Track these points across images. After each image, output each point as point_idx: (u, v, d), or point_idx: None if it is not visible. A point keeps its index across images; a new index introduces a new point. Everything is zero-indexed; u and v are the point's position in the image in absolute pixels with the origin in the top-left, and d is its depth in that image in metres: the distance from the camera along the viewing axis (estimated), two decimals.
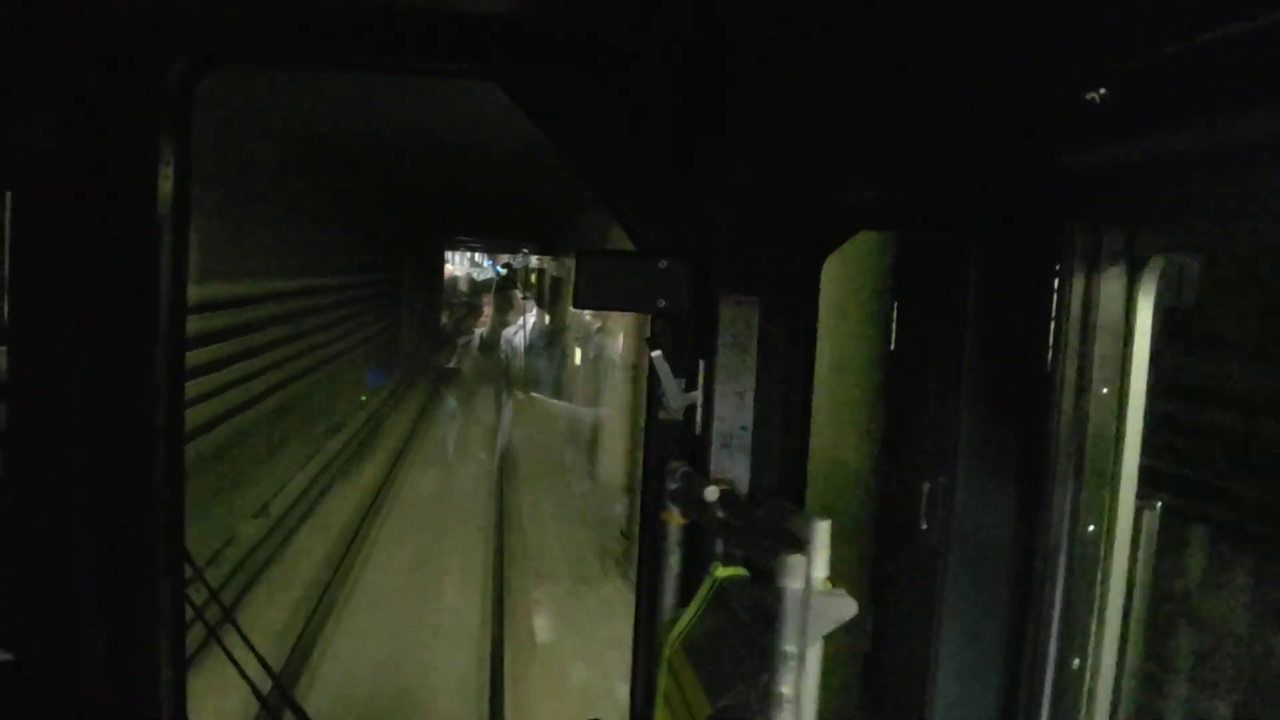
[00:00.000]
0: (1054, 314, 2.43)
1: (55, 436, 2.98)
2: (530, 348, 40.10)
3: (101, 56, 2.84)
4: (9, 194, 2.83)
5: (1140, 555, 2.41)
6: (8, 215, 2.85)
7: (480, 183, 18.84)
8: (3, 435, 2.96)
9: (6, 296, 2.89)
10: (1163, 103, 1.87)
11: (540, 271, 47.09)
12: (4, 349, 2.94)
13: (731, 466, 2.95)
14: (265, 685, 3.61)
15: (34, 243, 2.86)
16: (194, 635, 3.86)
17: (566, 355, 26.93)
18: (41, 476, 2.97)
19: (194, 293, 3.55)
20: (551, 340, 34.54)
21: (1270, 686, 2.20)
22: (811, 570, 2.12)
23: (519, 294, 54.14)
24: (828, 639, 2.18)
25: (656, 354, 3.01)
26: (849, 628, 2.24)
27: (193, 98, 3.01)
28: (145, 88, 2.89)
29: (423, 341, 38.04)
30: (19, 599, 2.96)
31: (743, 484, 2.94)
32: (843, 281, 3.89)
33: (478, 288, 63.89)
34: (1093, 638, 2.42)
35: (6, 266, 2.87)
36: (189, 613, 3.30)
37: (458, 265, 64.74)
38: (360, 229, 22.36)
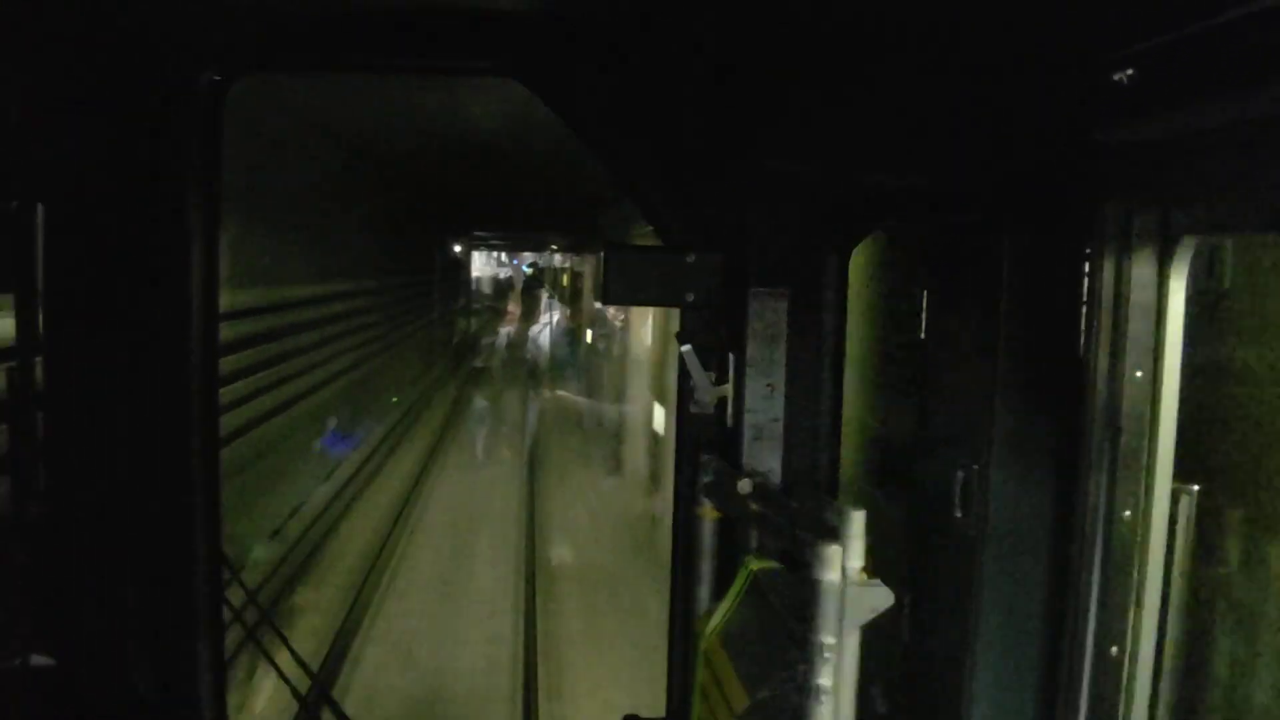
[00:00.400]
0: (1086, 298, 2.41)
1: (92, 445, 3.02)
2: (555, 346, 37.42)
3: (130, 69, 2.86)
4: (41, 205, 2.87)
5: (1177, 541, 2.38)
6: (40, 226, 2.88)
7: (507, 177, 18.12)
8: (42, 444, 3.00)
9: (41, 307, 2.92)
10: (1195, 78, 1.85)
11: (572, 271, 43.93)
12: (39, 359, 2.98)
13: (764, 458, 2.95)
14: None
15: (66, 253, 2.90)
16: (233, 637, 3.90)
17: (594, 353, 26.41)
18: (80, 484, 3.00)
19: None
20: (574, 338, 33.88)
21: None
22: (847, 561, 2.12)
23: (545, 294, 51.27)
24: (864, 629, 2.18)
25: (686, 348, 3.02)
26: (885, 617, 2.23)
27: (221, 106, 3.03)
28: (174, 98, 2.92)
29: (434, 361, 30.22)
30: (61, 605, 2.99)
31: (775, 476, 2.94)
32: None
33: (501, 288, 60.35)
34: (1131, 625, 2.40)
35: (40, 277, 2.90)
36: (227, 614, 3.34)
37: (482, 265, 60.97)
38: (357, 226, 17.13)
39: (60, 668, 2.89)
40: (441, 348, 33.13)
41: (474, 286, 57.65)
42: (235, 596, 3.51)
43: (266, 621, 3.99)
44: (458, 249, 42.15)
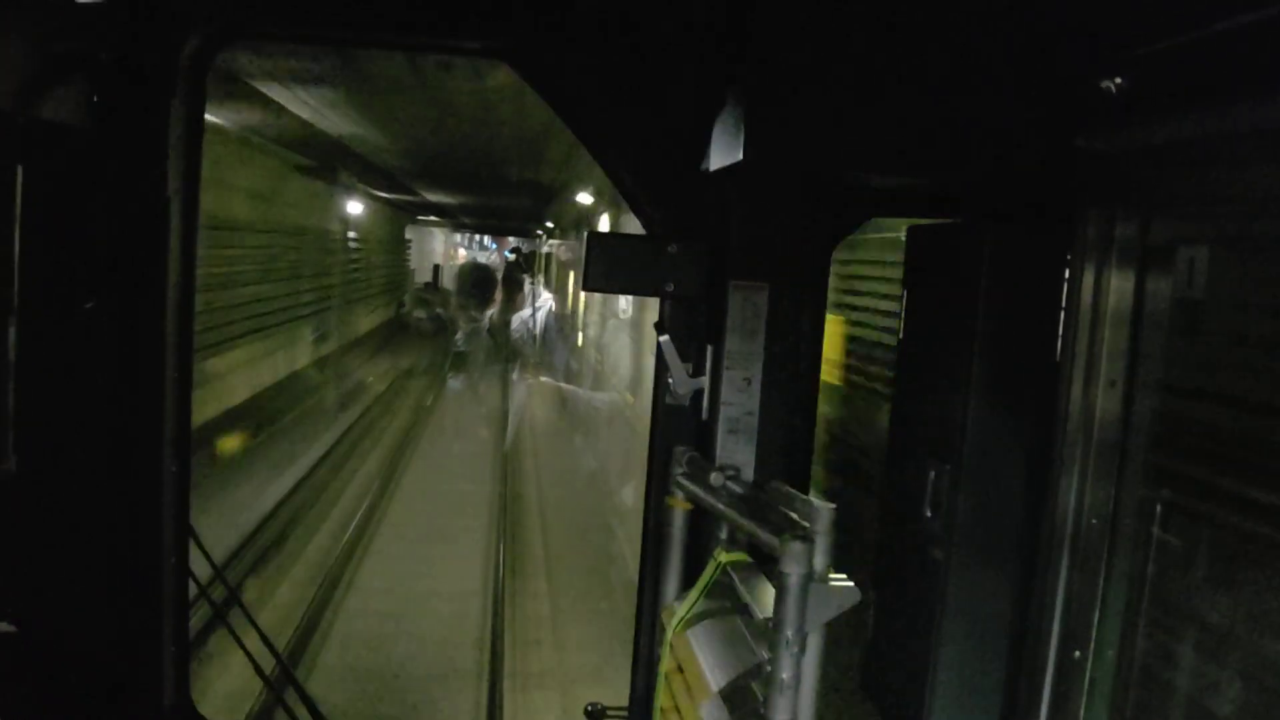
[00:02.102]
0: (1064, 304, 2.42)
1: (63, 415, 2.99)
2: (546, 333, 33.49)
3: (116, 33, 2.83)
4: (21, 168, 2.84)
5: (1145, 548, 2.40)
6: (20, 187, 2.85)
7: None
8: (12, 413, 2.97)
9: (16, 273, 2.89)
10: (1178, 90, 1.85)
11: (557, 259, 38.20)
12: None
13: (737, 452, 2.95)
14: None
15: (46, 217, 2.87)
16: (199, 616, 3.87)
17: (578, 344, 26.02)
18: (50, 452, 2.97)
19: None
20: (564, 328, 32.79)
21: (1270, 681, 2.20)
22: (815, 557, 2.12)
23: (528, 280, 46.16)
24: (829, 624, 2.18)
25: (664, 339, 3.01)
26: (851, 614, 2.23)
27: (204, 74, 3.01)
28: (158, 64, 2.89)
29: None
30: (26, 572, 2.97)
31: (748, 469, 2.94)
32: None
33: (482, 276, 39.40)
34: (1095, 629, 2.42)
35: (18, 241, 2.87)
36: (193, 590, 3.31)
37: (439, 245, 46.41)
38: None
39: (22, 636, 2.86)
40: None
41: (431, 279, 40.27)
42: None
43: (234, 598, 3.97)
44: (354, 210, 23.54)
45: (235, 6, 2.94)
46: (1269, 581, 2.18)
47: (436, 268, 43.86)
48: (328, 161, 17.94)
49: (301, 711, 3.60)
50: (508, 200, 27.13)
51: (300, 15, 3.00)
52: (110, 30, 2.81)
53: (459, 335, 31.26)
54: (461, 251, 51.95)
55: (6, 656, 2.82)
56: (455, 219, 40.98)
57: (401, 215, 33.50)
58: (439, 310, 35.82)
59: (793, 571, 2.10)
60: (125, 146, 2.89)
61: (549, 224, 32.21)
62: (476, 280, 38.57)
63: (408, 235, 37.16)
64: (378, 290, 29.67)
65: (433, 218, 39.25)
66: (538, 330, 31.81)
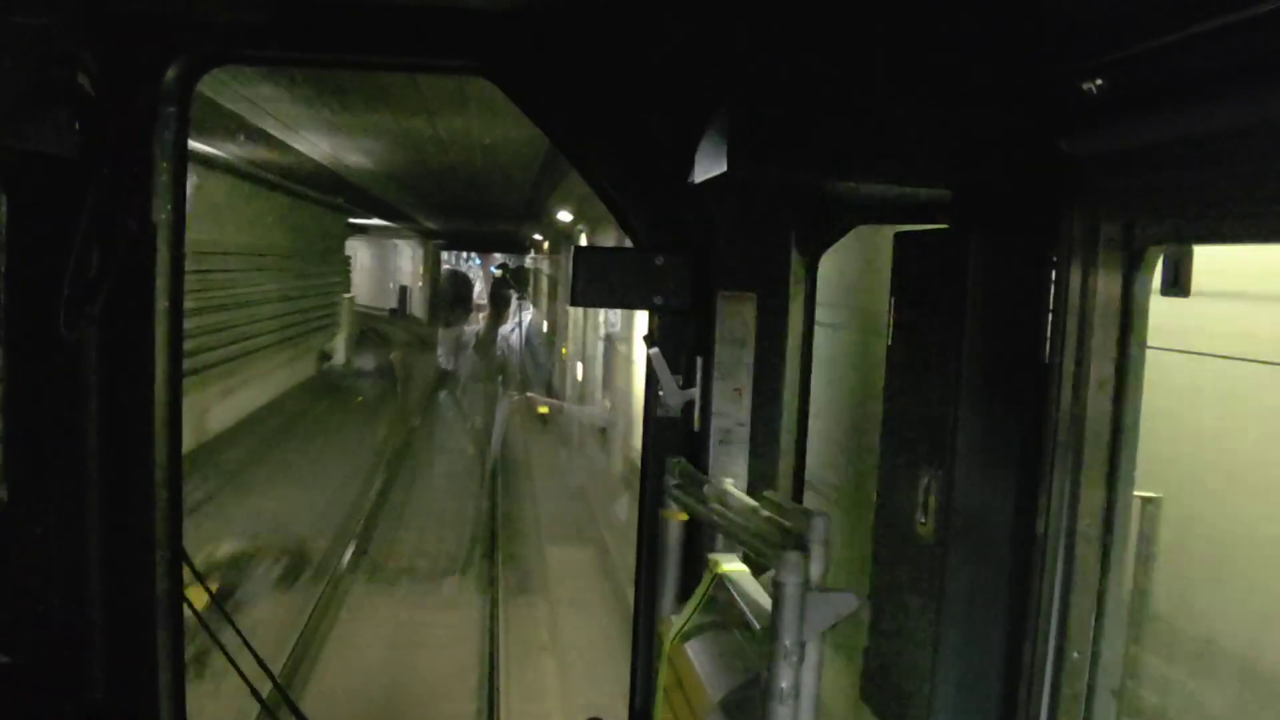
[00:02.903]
0: (1051, 305, 2.43)
1: (54, 440, 2.97)
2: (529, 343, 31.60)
3: (99, 59, 2.83)
4: (5, 195, 2.83)
5: (1140, 547, 2.40)
6: (4, 216, 2.84)
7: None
8: (3, 440, 2.95)
9: (4, 297, 2.88)
10: (1160, 90, 1.87)
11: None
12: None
13: (730, 462, 2.95)
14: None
15: (31, 243, 2.86)
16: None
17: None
18: (41, 479, 2.96)
19: None
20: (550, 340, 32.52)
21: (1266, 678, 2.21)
22: (811, 565, 2.12)
23: (514, 295, 39.60)
24: (828, 632, 2.18)
25: (654, 351, 3.01)
26: (850, 621, 2.23)
27: (189, 99, 3.00)
28: (142, 89, 2.88)
29: None
30: (20, 602, 2.95)
31: (741, 480, 2.94)
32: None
33: (459, 295, 33.22)
34: (1092, 629, 2.42)
35: (3, 270, 2.86)
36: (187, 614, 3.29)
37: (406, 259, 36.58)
38: None
39: (16, 666, 2.84)
40: None
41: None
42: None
43: (228, 621, 3.95)
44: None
45: (216, 33, 2.94)
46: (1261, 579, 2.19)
47: (403, 290, 35.49)
48: None
49: None
50: (484, 176, 19.07)
51: (282, 40, 3.00)
52: (93, 59, 2.81)
53: (439, 357, 25.90)
54: (446, 269, 49.87)
55: (5, 687, 2.80)
56: (413, 221, 31.39)
57: (330, 215, 22.45)
58: (393, 356, 26.19)
59: (789, 580, 2.10)
60: (110, 174, 2.88)
61: (562, 215, 22.28)
62: (455, 299, 32.05)
63: (348, 249, 26.20)
64: (270, 340, 19.50)
65: (376, 220, 28.62)
66: (520, 343, 32.23)
